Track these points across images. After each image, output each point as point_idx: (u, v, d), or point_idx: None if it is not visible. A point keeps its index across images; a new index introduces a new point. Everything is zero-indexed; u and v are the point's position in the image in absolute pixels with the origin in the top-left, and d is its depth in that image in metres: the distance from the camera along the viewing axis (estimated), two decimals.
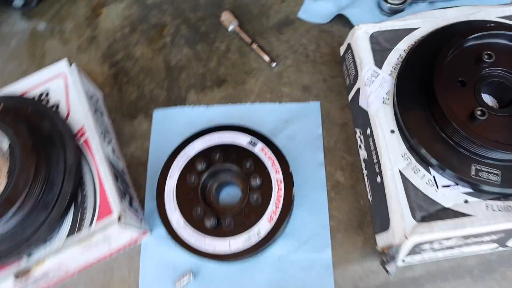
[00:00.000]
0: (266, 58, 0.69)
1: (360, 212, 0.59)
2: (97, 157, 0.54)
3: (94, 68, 0.73)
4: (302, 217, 0.59)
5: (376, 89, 0.53)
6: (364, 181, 0.60)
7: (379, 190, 0.51)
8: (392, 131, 0.51)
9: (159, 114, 0.68)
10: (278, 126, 0.65)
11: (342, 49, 0.62)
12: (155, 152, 0.65)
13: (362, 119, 0.55)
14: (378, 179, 0.51)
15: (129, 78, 0.71)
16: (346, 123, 0.64)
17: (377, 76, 0.53)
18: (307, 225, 0.59)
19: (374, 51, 0.55)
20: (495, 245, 0.50)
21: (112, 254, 0.59)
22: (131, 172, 0.65)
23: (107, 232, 0.51)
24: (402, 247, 0.46)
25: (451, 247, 0.50)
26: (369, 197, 0.55)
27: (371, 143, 0.53)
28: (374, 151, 0.52)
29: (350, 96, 0.60)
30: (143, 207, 0.63)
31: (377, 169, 0.51)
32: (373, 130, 0.52)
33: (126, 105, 0.69)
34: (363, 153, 0.56)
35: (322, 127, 0.64)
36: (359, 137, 0.57)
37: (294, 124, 0.65)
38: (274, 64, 0.69)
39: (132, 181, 0.64)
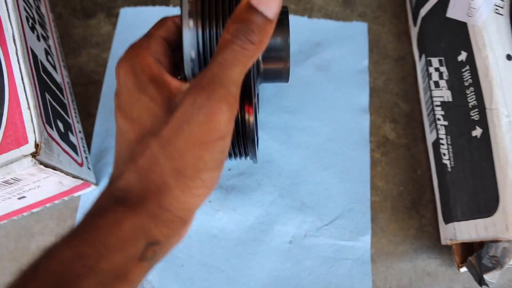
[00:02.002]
0: None
1: (417, 185, 0.40)
2: (11, 48, 0.32)
3: None
4: (331, 183, 0.40)
5: None
6: (424, 140, 0.41)
7: (476, 149, 0.31)
8: (510, 57, 0.31)
9: (128, 15, 0.46)
10: (304, 50, 0.44)
11: None
12: None
13: (449, 39, 0.35)
14: (476, 132, 0.31)
15: None
16: (403, 57, 0.44)
17: None
18: (337, 197, 0.39)
19: None
20: None
21: (32, 208, 0.38)
22: (77, 94, 0.43)
23: (14, 172, 0.29)
24: None
25: None
26: (447, 162, 0.36)
27: (466, 75, 0.33)
28: (471, 88, 0.32)
29: (425, 8, 0.39)
30: (89, 145, 0.41)
31: (474, 115, 0.32)
32: (475, 54, 0.32)
33: None
34: (441, 94, 0.37)
35: (369, 59, 0.44)
36: (437, 69, 0.37)
37: (328, 50, 0.44)
38: None
39: (78, 107, 0.42)
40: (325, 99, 0.42)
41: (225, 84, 0.22)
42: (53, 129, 0.33)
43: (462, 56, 0.33)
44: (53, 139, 0.33)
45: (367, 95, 0.42)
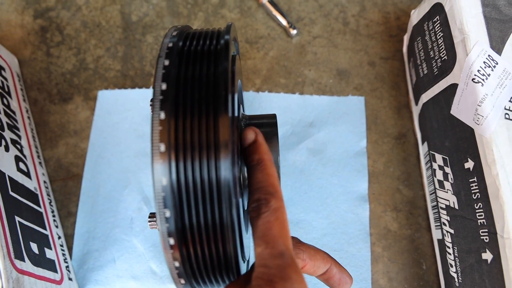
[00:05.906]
0: (282, 21, 0.44)
1: (422, 282, 0.37)
2: None
3: (8, 16, 0.47)
4: None
5: (493, 90, 0.29)
6: (429, 229, 0.38)
7: (487, 274, 0.28)
8: None
9: (107, 98, 0.43)
10: (296, 132, 0.41)
11: (416, 13, 0.38)
12: (97, 158, 0.41)
13: (454, 140, 0.32)
14: (486, 255, 0.28)
15: (64, 37, 0.46)
16: (404, 134, 0.41)
17: (496, 66, 0.29)
18: None
19: (489, 20, 0.31)
20: None
21: None
22: (56, 190, 0.40)
23: None
24: None
25: None
26: (454, 275, 0.33)
27: (473, 187, 0.30)
28: (480, 203, 0.29)
29: (427, 95, 0.36)
30: (70, 249, 0.39)
31: (484, 236, 0.29)
32: (484, 168, 0.29)
33: (55, 80, 0.44)
34: (445, 197, 0.33)
35: (367, 139, 0.41)
36: (441, 168, 0.34)
37: (322, 131, 0.41)
38: (293, 32, 0.44)
39: (57, 204, 0.39)
40: (321, 188, 0.39)
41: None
42: (24, 260, 0.31)
43: (469, 164, 0.30)
44: (25, 273, 0.30)
45: (366, 180, 0.39)
